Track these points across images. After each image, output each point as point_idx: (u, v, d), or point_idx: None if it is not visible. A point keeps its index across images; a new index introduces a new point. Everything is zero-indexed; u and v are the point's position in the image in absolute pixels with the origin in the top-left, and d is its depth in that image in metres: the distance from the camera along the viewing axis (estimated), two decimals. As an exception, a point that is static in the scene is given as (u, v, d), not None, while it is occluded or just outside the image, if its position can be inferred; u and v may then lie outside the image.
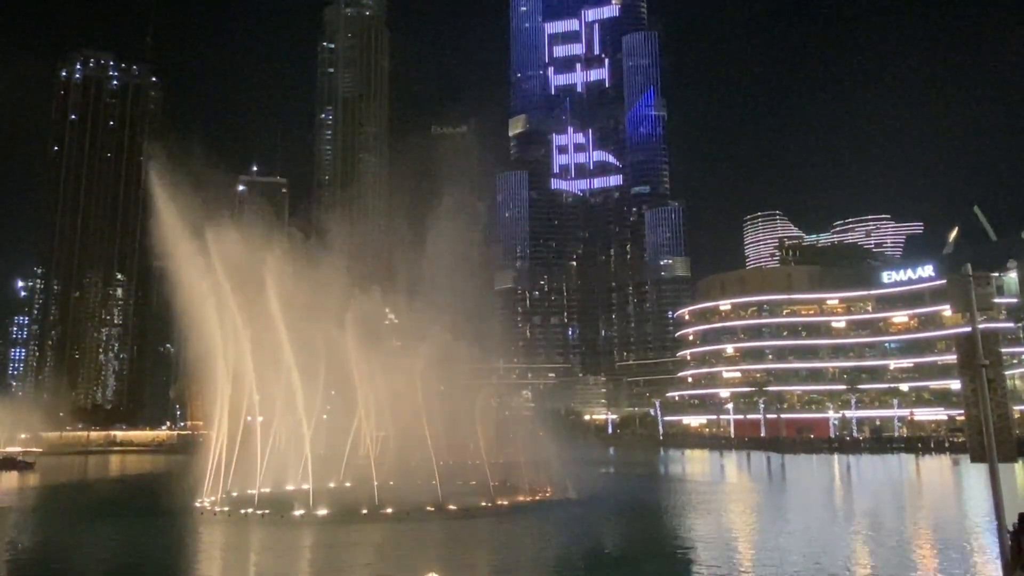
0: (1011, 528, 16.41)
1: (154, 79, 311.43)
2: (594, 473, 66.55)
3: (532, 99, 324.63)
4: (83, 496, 59.38)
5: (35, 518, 45.05)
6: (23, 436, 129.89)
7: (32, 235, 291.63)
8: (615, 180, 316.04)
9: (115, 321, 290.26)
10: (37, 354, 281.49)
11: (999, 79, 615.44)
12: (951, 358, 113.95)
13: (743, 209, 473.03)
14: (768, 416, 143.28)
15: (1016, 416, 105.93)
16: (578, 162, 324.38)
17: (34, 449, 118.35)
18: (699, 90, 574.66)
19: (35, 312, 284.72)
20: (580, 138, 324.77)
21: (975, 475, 56.66)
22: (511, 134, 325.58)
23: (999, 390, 16.36)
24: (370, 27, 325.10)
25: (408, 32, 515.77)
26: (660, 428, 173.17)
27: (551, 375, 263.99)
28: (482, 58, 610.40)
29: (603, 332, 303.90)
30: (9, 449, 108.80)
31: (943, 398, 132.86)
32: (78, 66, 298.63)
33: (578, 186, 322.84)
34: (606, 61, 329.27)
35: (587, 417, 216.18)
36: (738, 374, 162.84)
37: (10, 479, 73.41)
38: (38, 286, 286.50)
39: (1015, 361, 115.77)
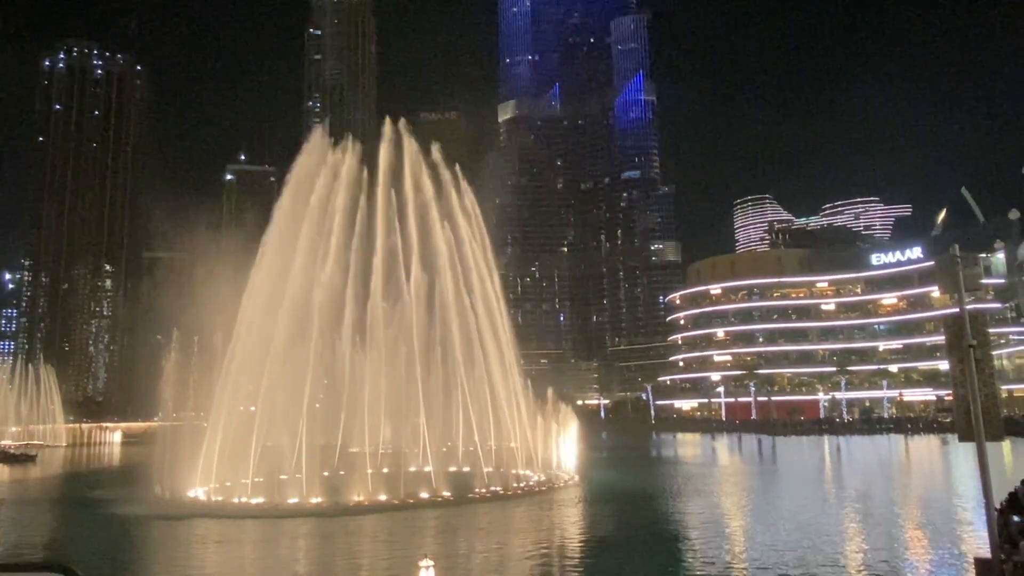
0: (999, 506, 16.60)
1: (139, 67, 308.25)
2: (589, 457, 66.81)
3: (521, 84, 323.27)
4: (87, 485, 59.14)
5: (38, 510, 44.78)
6: (13, 429, 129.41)
7: (18, 227, 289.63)
8: (605, 165, 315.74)
9: (104, 313, 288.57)
10: (26, 347, 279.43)
11: (986, 61, 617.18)
12: (939, 339, 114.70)
13: (733, 193, 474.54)
14: (759, 399, 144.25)
15: (1003, 396, 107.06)
16: (569, 148, 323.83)
17: (35, 442, 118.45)
18: (689, 74, 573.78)
19: (23, 305, 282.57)
20: (569, 123, 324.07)
21: (963, 454, 57.22)
22: (500, 120, 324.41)
23: (987, 370, 16.52)
24: (357, 13, 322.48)
25: (395, 17, 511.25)
26: (652, 412, 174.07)
27: (543, 361, 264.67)
28: (471, 43, 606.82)
29: (594, 317, 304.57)
30: (8, 442, 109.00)
31: (932, 379, 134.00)
32: (61, 55, 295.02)
33: (569, 172, 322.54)
34: (595, 46, 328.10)
35: (579, 402, 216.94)
36: (729, 357, 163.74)
37: (13, 471, 73.15)
38: (26, 278, 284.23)
39: (1003, 341, 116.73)
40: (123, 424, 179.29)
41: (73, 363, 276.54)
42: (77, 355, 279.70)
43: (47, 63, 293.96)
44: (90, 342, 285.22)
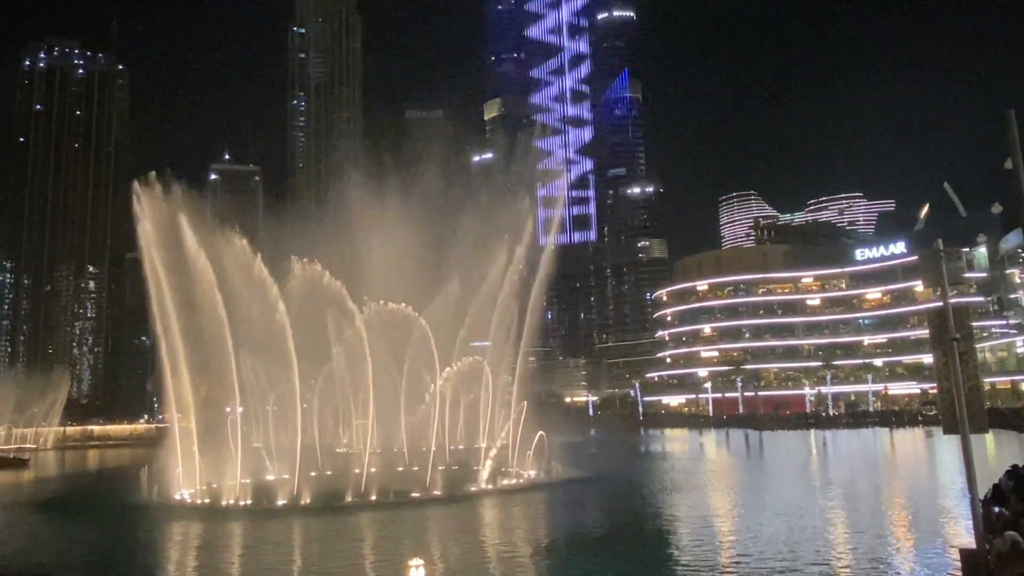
0: (983, 498, 16.78)
1: (121, 67, 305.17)
2: (578, 453, 67.07)
3: (507, 82, 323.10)
4: (78, 489, 58.59)
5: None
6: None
7: (0, 229, 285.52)
8: (591, 163, 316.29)
9: (88, 315, 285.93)
10: (9, 350, 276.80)
11: (967, 56, 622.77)
12: (923, 333, 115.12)
13: (718, 190, 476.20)
14: (746, 394, 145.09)
15: (987, 388, 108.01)
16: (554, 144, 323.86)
17: (28, 445, 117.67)
18: (674, 72, 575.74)
19: (5, 307, 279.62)
20: (556, 120, 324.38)
21: (948, 447, 57.76)
22: (486, 118, 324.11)
23: (970, 363, 16.65)
24: (341, 10, 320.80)
25: (380, 15, 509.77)
26: (640, 409, 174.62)
27: (531, 359, 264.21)
28: (457, 41, 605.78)
29: (582, 315, 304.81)
30: (3, 447, 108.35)
31: (916, 372, 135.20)
32: (42, 55, 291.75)
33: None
34: (581, 43, 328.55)
35: (568, 400, 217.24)
36: (716, 353, 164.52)
37: (6, 476, 72.19)
38: (8, 280, 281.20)
39: (985, 334, 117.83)
40: (109, 426, 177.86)
41: (57, 366, 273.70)
42: (61, 358, 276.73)
43: (27, 62, 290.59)
44: (74, 344, 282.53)
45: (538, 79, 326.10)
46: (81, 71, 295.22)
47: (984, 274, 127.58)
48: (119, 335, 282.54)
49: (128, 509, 40.67)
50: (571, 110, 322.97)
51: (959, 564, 17.10)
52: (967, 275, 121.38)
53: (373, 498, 40.82)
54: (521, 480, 48.58)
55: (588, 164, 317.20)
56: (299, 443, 45.00)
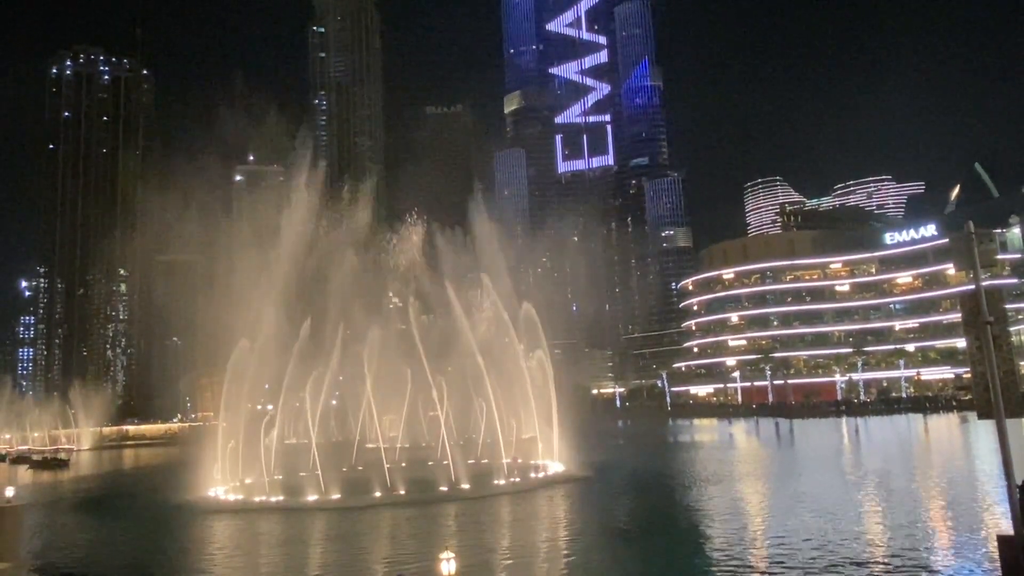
0: (1020, 483, 16.49)
1: (145, 72, 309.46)
2: (607, 445, 67.05)
3: (526, 75, 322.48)
4: (115, 488, 59.74)
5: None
6: (36, 435, 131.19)
7: (33, 235, 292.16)
8: (613, 153, 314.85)
9: (120, 317, 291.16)
10: (45, 353, 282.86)
11: (997, 35, 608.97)
12: (956, 317, 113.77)
13: (743, 176, 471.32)
14: (775, 382, 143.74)
15: (1022, 372, 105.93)
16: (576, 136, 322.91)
17: (67, 446, 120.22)
18: (695, 58, 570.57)
19: (41, 312, 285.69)
20: (576, 111, 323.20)
21: (983, 432, 56.83)
22: (506, 111, 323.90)
23: (1004, 346, 16.38)
24: (360, 9, 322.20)
25: (399, 12, 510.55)
26: (668, 399, 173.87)
27: (557, 351, 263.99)
28: (475, 35, 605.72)
29: (607, 306, 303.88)
30: (27, 447, 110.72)
31: (949, 357, 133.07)
32: (68, 62, 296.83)
33: (576, 162, 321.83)
34: (600, 32, 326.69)
35: (595, 391, 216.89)
36: (744, 342, 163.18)
37: (47, 476, 73.83)
38: (42, 285, 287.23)
39: (1020, 317, 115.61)
40: (143, 426, 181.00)
41: (91, 367, 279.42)
42: (95, 359, 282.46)
43: (55, 70, 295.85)
44: (107, 346, 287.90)
45: (557, 71, 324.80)
46: (107, 77, 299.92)
47: (1018, 255, 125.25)
48: (151, 336, 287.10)
49: (163, 507, 41.40)
50: (591, 100, 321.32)
51: (997, 552, 16.85)
52: (1000, 257, 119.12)
53: (402, 492, 41.11)
54: (550, 473, 48.62)
55: (611, 155, 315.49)
56: (328, 439, 45.45)
